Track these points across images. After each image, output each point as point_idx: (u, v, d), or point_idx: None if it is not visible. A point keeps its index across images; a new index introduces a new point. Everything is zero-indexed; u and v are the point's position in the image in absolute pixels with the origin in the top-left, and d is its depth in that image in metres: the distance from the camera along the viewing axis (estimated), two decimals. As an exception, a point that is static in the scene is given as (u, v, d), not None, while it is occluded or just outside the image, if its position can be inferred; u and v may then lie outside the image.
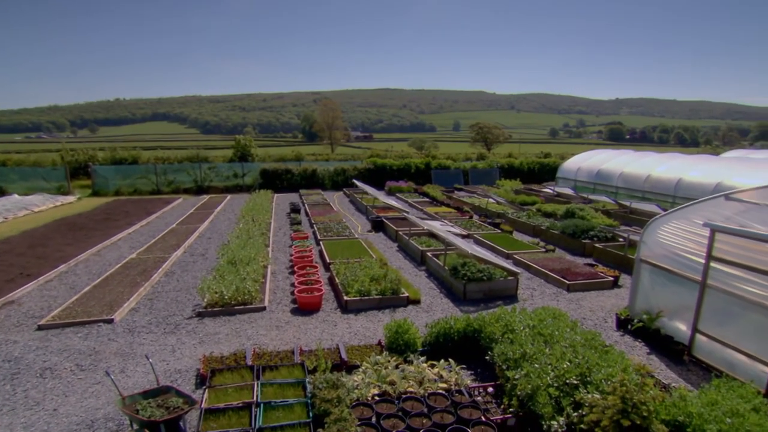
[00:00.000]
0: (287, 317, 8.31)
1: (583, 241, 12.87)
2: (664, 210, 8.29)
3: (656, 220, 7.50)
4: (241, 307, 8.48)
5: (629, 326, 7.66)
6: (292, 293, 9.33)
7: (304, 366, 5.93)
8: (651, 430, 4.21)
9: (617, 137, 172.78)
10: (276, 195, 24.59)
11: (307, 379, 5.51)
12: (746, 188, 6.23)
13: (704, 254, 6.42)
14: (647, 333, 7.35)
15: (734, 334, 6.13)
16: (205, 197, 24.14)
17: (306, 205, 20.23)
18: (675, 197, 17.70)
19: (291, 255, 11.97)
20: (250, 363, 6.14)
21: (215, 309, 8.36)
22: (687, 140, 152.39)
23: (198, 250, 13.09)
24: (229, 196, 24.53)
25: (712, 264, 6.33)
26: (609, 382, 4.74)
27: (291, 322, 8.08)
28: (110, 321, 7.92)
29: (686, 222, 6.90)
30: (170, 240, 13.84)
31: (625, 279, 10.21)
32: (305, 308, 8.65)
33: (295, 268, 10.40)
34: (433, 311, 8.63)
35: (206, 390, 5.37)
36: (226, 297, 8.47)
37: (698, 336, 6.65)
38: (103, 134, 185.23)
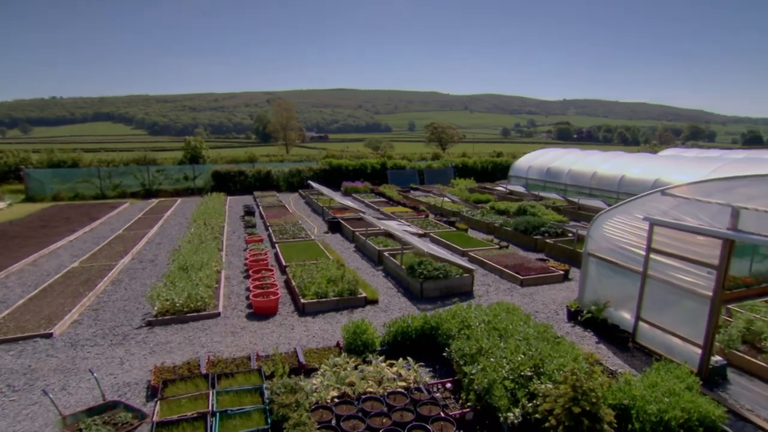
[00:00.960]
0: (243, 323, 8.10)
1: (535, 237, 13.33)
2: (609, 205, 8.76)
3: (601, 215, 7.87)
4: (194, 314, 8.19)
5: (579, 317, 8.00)
6: (248, 298, 9.11)
7: (261, 372, 5.81)
8: (599, 415, 4.41)
9: (565, 136, 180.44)
10: (229, 198, 23.94)
11: (264, 385, 5.39)
12: (679, 184, 6.65)
13: (644, 246, 6.81)
14: (596, 323, 7.70)
15: (672, 320, 6.53)
16: (154, 201, 23.15)
17: (260, 207, 19.81)
18: (619, 193, 18.67)
19: (246, 258, 11.68)
20: (204, 371, 5.94)
21: (166, 317, 8.03)
22: (629, 139, 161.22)
23: (147, 257, 12.53)
24: (179, 200, 23.65)
25: (652, 255, 6.72)
26: (561, 372, 4.93)
27: (247, 328, 7.88)
28: (49, 335, 7.42)
29: (628, 216, 7.29)
30: (117, 246, 13.17)
31: (574, 272, 10.65)
32: (261, 312, 8.46)
33: (250, 272, 10.16)
34: (390, 310, 8.67)
35: (158, 402, 5.14)
36: (177, 304, 8.15)
37: (641, 323, 7.04)
38: (37, 135, 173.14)
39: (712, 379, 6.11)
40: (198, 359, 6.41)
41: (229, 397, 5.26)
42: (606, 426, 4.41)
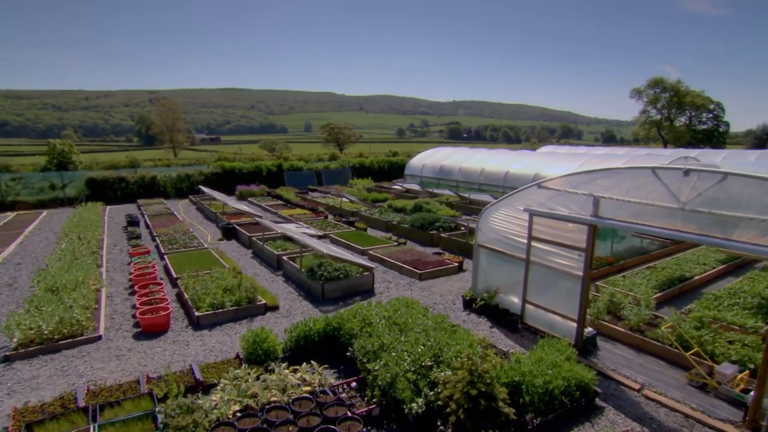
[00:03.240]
0: (129, 344, 7.36)
1: (431, 232, 13.94)
2: (496, 199, 9.45)
3: (488, 208, 8.46)
4: (69, 340, 7.25)
5: (474, 305, 8.53)
6: (134, 316, 8.30)
7: (152, 395, 5.32)
8: (494, 394, 4.74)
9: (456, 136, 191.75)
10: (108, 207, 21.63)
11: (157, 409, 4.95)
12: (553, 177, 7.39)
13: (526, 235, 7.46)
14: (489, 309, 8.27)
15: (552, 300, 7.25)
16: (10, 215, 20.06)
17: (146, 216, 18.17)
18: (504, 187, 20.25)
19: (130, 273, 10.62)
20: (82, 404, 5.28)
21: (31, 348, 6.99)
22: (512, 138, 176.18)
23: (2, 280, 10.81)
24: (45, 212, 20.78)
25: (533, 243, 7.39)
26: (458, 359, 5.20)
27: (134, 349, 7.18)
28: None
29: (511, 209, 7.93)
30: (-38, 271, 11.17)
31: (468, 263, 11.31)
32: (151, 330, 7.76)
33: (136, 288, 9.27)
34: (292, 315, 8.48)
35: (22, 447, 4.46)
36: (46, 332, 7.15)
37: (527, 306, 7.70)
38: None
39: (585, 348, 6.90)
40: (74, 391, 5.68)
41: (114, 428, 4.74)
42: (501, 403, 4.75)
